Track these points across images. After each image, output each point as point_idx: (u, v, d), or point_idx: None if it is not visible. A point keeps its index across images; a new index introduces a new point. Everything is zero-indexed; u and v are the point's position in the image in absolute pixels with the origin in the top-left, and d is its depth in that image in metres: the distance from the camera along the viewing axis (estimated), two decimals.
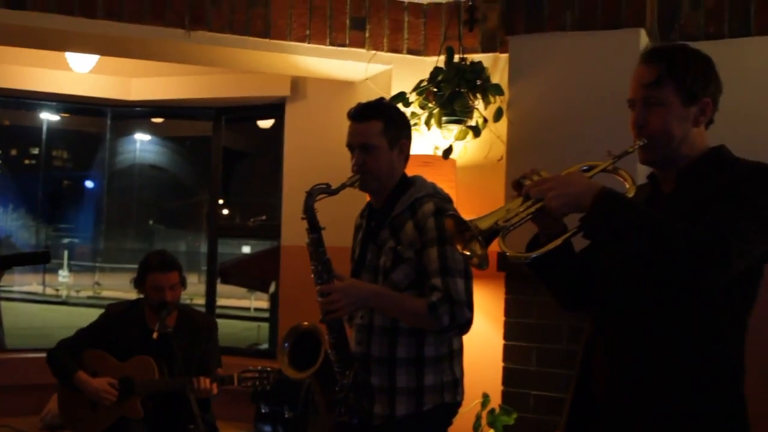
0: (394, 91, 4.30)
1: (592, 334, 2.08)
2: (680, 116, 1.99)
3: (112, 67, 5.19)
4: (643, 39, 3.74)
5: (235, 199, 7.74)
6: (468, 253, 1.99)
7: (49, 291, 19.80)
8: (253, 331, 12.43)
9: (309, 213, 2.66)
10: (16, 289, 19.23)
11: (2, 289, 19.34)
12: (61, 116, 6.21)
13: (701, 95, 1.99)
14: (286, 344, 2.75)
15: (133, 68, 5.24)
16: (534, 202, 1.91)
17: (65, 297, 19.08)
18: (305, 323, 2.78)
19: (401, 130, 2.78)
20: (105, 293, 18.68)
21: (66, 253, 20.19)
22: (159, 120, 6.21)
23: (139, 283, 3.84)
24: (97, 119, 6.02)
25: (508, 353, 3.85)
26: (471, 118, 4.01)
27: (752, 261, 1.85)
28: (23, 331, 12.10)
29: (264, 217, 5.53)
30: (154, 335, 3.52)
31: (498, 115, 3.98)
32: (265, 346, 11.82)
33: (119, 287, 19.52)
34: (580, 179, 1.92)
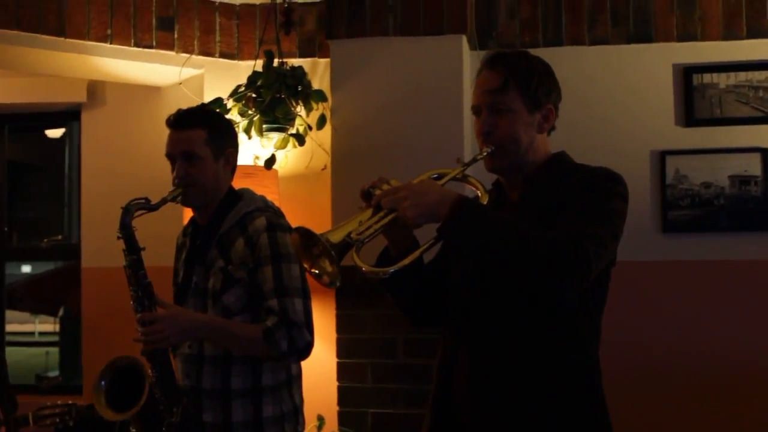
0: (207, 98, 3.96)
1: (451, 345, 2.00)
2: (526, 123, 1.96)
3: None
4: (465, 46, 3.69)
5: (23, 217, 6.97)
6: (316, 272, 1.83)
7: None
8: (40, 358, 11.47)
9: (126, 232, 2.43)
10: None
11: None
12: None
13: (544, 102, 1.99)
14: (103, 382, 2.46)
15: None
16: (387, 212, 1.81)
17: None
18: (124, 357, 2.48)
19: (227, 138, 2.57)
20: None
21: None
22: None
23: None
24: None
25: (342, 371, 3.62)
26: (292, 125, 3.76)
27: (603, 265, 1.84)
28: None
29: (59, 237, 4.93)
30: None
31: (321, 123, 3.76)
32: (55, 373, 10.88)
33: None
34: (434, 187, 1.84)
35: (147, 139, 4.33)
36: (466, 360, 1.94)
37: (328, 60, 3.88)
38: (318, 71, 3.99)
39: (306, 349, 2.43)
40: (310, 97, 3.72)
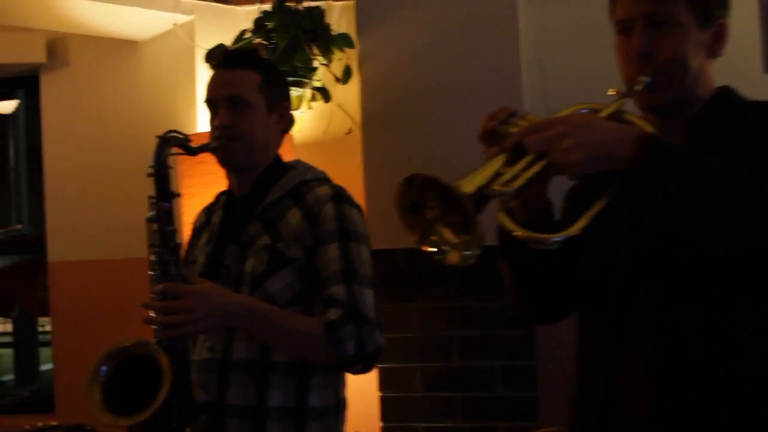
0: (199, 52, 3.22)
1: (606, 342, 1.49)
2: (696, 42, 1.47)
3: None
4: None
5: None
6: (432, 247, 1.32)
7: None
8: None
9: (160, 169, 1.86)
10: None
11: None
12: None
13: (718, 14, 1.50)
14: (104, 368, 1.82)
15: None
16: (536, 157, 1.30)
17: None
18: (139, 342, 1.84)
19: (283, 89, 2.12)
20: None
21: None
22: None
23: None
24: None
25: (385, 378, 2.95)
26: (311, 78, 3.04)
27: None
28: None
29: (20, 226, 4.13)
30: None
31: (346, 75, 3.05)
32: (9, 377, 10.06)
33: None
34: (600, 121, 1.37)
35: (121, 106, 3.60)
36: (640, 361, 1.43)
37: (345, 2, 3.17)
38: (333, 15, 3.26)
39: (376, 356, 1.88)
40: (333, 42, 3.00)
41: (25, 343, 9.60)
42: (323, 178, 2.05)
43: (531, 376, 2.87)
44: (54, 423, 2.86)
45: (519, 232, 1.36)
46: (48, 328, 10.81)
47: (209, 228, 2.07)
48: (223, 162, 1.98)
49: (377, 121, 3.02)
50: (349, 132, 3.16)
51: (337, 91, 3.15)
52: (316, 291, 1.90)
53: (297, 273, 1.91)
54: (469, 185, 1.25)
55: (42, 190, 3.85)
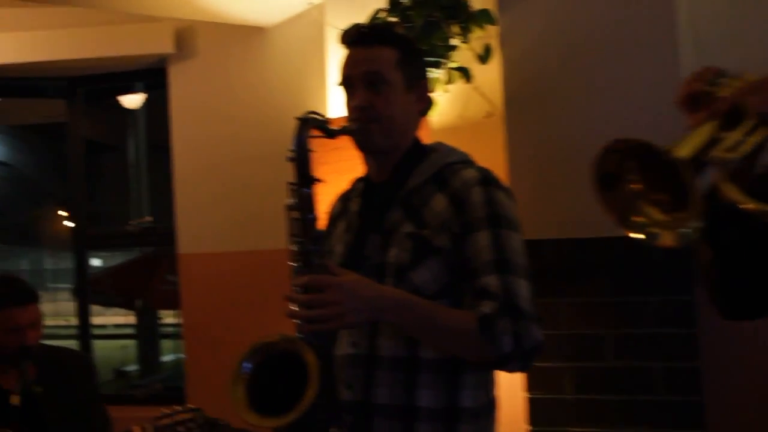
0: (329, 34, 3.08)
1: None
2: None
3: None
4: None
5: (100, 202, 6.26)
6: (638, 233, 1.15)
7: None
8: (116, 351, 11.10)
9: (301, 151, 1.72)
10: None
11: None
12: None
13: None
14: (248, 365, 1.67)
15: None
16: (761, 121, 1.15)
17: None
18: (285, 339, 1.67)
19: (421, 65, 1.93)
20: None
21: None
22: None
23: None
24: None
25: (533, 379, 2.73)
26: (449, 59, 2.86)
27: None
28: None
29: (150, 218, 4.13)
30: (14, 399, 2.39)
31: (486, 55, 2.85)
32: (133, 368, 10.38)
33: None
34: None
35: (249, 94, 3.52)
36: None
37: None
38: None
39: (534, 353, 1.67)
40: (472, 19, 2.80)
41: (148, 334, 9.90)
42: (469, 161, 1.87)
43: (695, 379, 2.59)
44: (192, 406, 2.79)
45: (750, 205, 1.16)
46: (168, 320, 11.10)
47: (346, 216, 1.93)
48: (361, 145, 1.84)
49: (521, 103, 2.80)
50: (489, 115, 2.96)
51: (473, 72, 2.96)
52: (464, 282, 1.73)
53: (444, 263, 1.74)
54: (684, 150, 1.09)
55: (170, 182, 3.82)
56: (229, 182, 3.59)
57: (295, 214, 1.71)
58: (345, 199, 1.96)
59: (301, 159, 1.71)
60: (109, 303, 10.92)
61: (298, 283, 1.64)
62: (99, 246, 4.26)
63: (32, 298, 2.64)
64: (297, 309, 1.61)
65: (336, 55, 3.19)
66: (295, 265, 1.69)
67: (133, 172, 6.04)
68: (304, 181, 1.71)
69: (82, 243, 4.16)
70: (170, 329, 10.96)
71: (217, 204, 3.62)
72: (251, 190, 3.47)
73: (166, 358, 10.41)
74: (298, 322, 1.62)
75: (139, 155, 6.04)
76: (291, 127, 3.31)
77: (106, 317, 13.99)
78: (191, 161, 3.72)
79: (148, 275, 7.57)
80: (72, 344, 4.80)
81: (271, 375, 1.68)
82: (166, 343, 10.56)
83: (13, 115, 5.00)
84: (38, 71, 3.93)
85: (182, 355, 10.91)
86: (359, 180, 1.95)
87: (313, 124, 1.71)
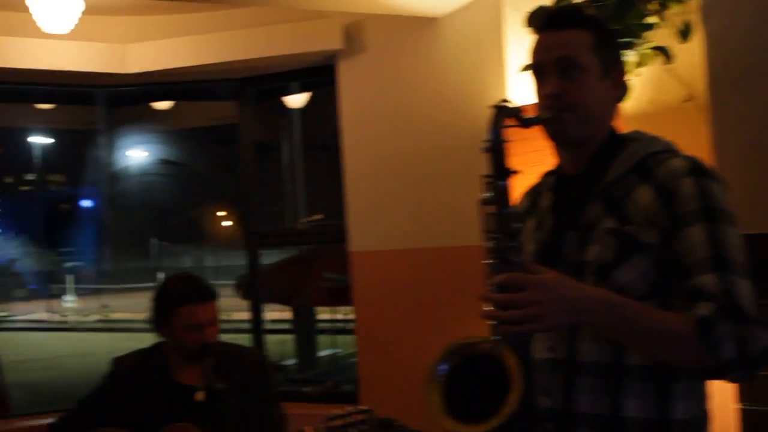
0: (508, 20, 2.91)
1: None
2: None
3: (98, 30, 3.74)
4: None
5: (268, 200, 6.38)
6: None
7: (56, 318, 18.66)
8: (274, 347, 11.41)
9: (496, 141, 1.62)
10: (20, 318, 18.23)
11: (5, 319, 18.32)
12: (34, 108, 4.67)
13: None
14: (443, 367, 1.60)
15: (127, 31, 3.81)
16: None
17: (73, 323, 17.90)
18: (483, 341, 1.58)
19: (616, 49, 1.80)
20: (114, 315, 17.75)
21: (70, 277, 19.14)
22: (164, 106, 4.76)
23: (161, 322, 2.65)
24: (86, 110, 4.57)
25: (747, 388, 2.45)
26: (644, 39, 2.62)
27: None
28: (31, 363, 10.96)
29: (321, 216, 4.12)
30: (199, 395, 2.39)
31: (686, 32, 2.59)
32: (291, 361, 10.64)
33: (128, 308, 18.63)
34: None
35: (422, 87, 3.41)
36: None
37: None
38: None
39: (761, 359, 1.49)
40: None
41: (305, 330, 10.10)
42: (674, 150, 1.70)
43: None
44: (365, 407, 2.65)
45: None
46: (324, 317, 11.28)
47: (537, 212, 1.80)
48: (555, 135, 1.70)
49: (727, 85, 2.51)
50: (688, 99, 2.69)
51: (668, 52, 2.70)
52: (675, 282, 1.57)
53: (652, 261, 1.59)
54: None
55: (327, 180, 3.77)
56: (402, 178, 3.49)
57: (491, 209, 1.61)
58: (534, 194, 1.83)
59: (497, 149, 1.60)
60: (267, 299, 11.29)
61: (495, 282, 1.54)
62: (271, 244, 4.31)
63: (212, 295, 2.67)
64: (493, 309, 1.52)
65: (515, 42, 3.01)
66: (491, 262, 1.59)
67: (290, 172, 6.12)
68: (500, 173, 1.61)
69: (254, 241, 4.18)
70: (326, 325, 11.19)
71: (389, 201, 3.54)
72: (425, 185, 3.37)
73: (323, 353, 10.64)
74: (494, 322, 1.53)
75: (295, 154, 6.10)
76: (467, 118, 3.18)
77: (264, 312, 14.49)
78: (362, 158, 3.65)
79: (306, 273, 7.69)
80: (240, 339, 4.88)
81: (468, 378, 1.59)
82: (322, 339, 10.78)
83: (184, 118, 5.16)
84: (210, 74, 3.99)
85: (338, 350, 11.02)
86: (549, 173, 1.82)
87: (507, 113, 1.61)
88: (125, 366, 2.75)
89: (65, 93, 4.14)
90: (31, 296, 20.31)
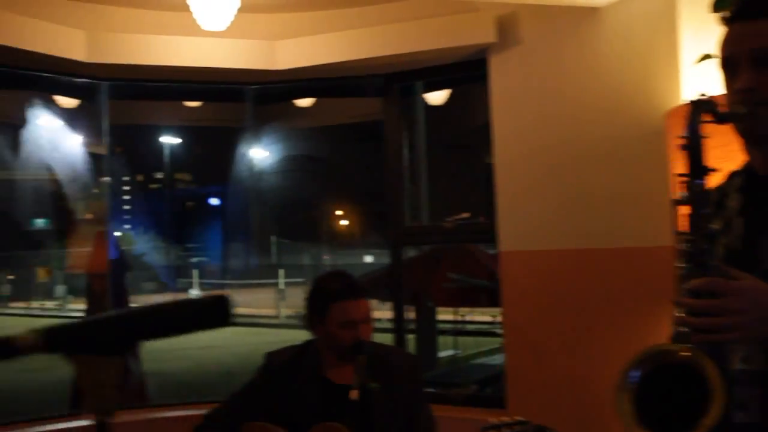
0: (682, 8, 2.71)
1: None
2: None
3: (249, 27, 3.75)
4: None
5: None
6: None
7: None
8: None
9: (694, 138, 1.53)
10: None
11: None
12: (184, 106, 4.77)
13: None
14: (635, 374, 1.51)
15: (277, 27, 3.82)
16: None
17: None
18: (678, 346, 1.49)
19: None
20: (236, 310, 18.23)
21: (196, 272, 19.82)
22: (306, 103, 4.77)
23: (316, 320, 2.61)
24: (233, 108, 4.62)
25: None
26: None
27: None
28: (160, 354, 11.39)
29: (467, 215, 4.00)
30: (353, 394, 2.34)
31: None
32: None
33: (249, 303, 19.11)
34: None
35: (583, 81, 3.25)
36: None
37: None
38: None
39: None
40: None
41: (427, 330, 10.01)
42: None
43: None
44: (520, 418, 2.56)
45: None
46: (445, 317, 11.16)
47: (722, 215, 1.68)
48: (747, 132, 1.59)
49: None
50: None
51: None
52: None
53: None
54: None
55: (490, 177, 3.64)
56: (560, 176, 3.34)
57: (686, 209, 1.53)
58: (720, 194, 1.70)
59: (694, 146, 1.52)
60: (387, 298, 11.30)
61: (691, 287, 1.46)
62: (416, 242, 4.20)
63: (364, 292, 2.63)
64: (686, 315, 1.45)
65: (690, 31, 2.81)
66: (685, 266, 1.52)
67: (425, 169, 6.04)
68: (697, 171, 1.52)
69: (399, 238, 4.11)
70: (447, 326, 11.08)
71: (544, 199, 3.40)
72: (586, 184, 3.20)
73: (443, 354, 10.55)
74: (684, 329, 1.45)
75: (432, 152, 6.01)
76: (636, 114, 2.97)
77: (380, 311, 14.50)
78: (515, 154, 3.51)
79: (430, 273, 7.61)
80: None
81: (662, 387, 1.51)
82: (443, 339, 10.70)
83: (326, 115, 5.18)
84: (356, 70, 3.94)
85: (458, 351, 10.84)
86: (736, 173, 1.70)
87: (705, 108, 1.52)
88: (278, 361, 2.73)
89: (214, 90, 4.19)
90: (159, 289, 21.18)
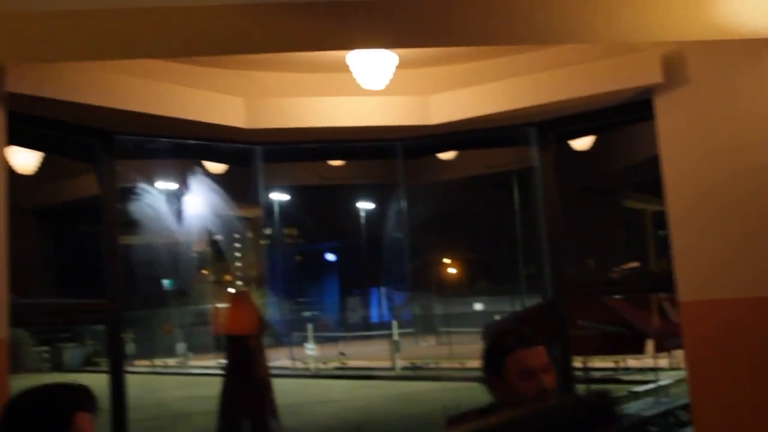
0: None
1: None
2: None
3: (402, 84, 3.73)
4: None
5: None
6: None
7: (298, 364, 19.43)
8: None
9: None
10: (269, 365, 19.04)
11: None
12: (328, 165, 4.77)
13: None
14: None
15: (429, 82, 3.77)
16: None
17: (314, 370, 18.54)
18: None
19: None
20: (351, 363, 18.19)
21: (310, 326, 19.89)
22: (448, 157, 4.70)
23: (494, 378, 2.44)
24: (381, 165, 4.60)
25: None
26: None
27: None
28: (282, 409, 11.34)
29: (636, 264, 3.81)
30: None
31: None
32: None
33: (362, 355, 18.99)
34: None
35: (755, 116, 3.05)
36: None
37: None
38: None
39: None
40: None
41: (561, 379, 9.66)
42: None
43: None
44: None
45: None
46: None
47: None
48: None
49: None
50: None
51: None
52: None
53: None
54: None
55: (661, 224, 3.44)
56: (740, 213, 3.12)
57: None
58: None
59: None
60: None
61: None
62: (577, 293, 4.03)
63: (540, 341, 2.47)
64: None
65: None
66: None
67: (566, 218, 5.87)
68: None
69: (561, 289, 3.92)
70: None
71: (724, 240, 3.17)
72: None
73: None
74: None
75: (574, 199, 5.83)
76: None
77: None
78: (689, 194, 3.32)
79: (551, 320, 7.38)
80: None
81: None
82: None
83: (466, 167, 5.09)
84: (508, 120, 3.84)
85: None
86: None
87: None
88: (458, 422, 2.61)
89: (363, 148, 4.18)
90: (275, 344, 21.32)
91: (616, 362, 11.24)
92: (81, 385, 2.36)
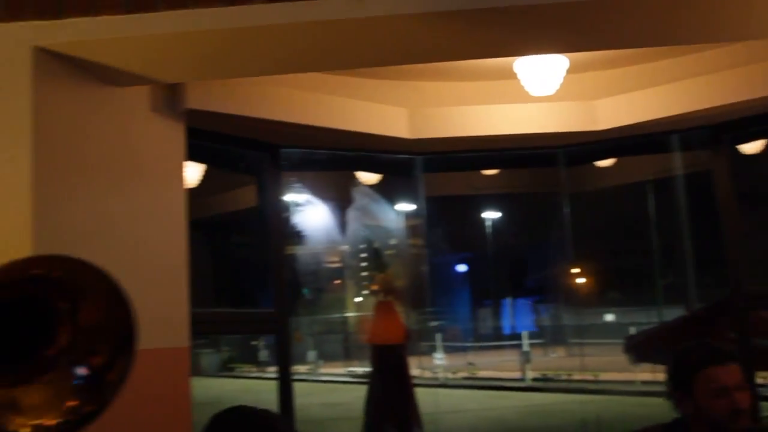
0: None
1: None
2: None
3: (568, 87, 3.62)
4: None
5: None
6: None
7: (427, 374, 19.38)
8: (645, 409, 10.62)
9: None
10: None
11: None
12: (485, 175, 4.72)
13: None
14: None
15: (595, 85, 3.66)
16: None
17: (442, 379, 18.45)
18: None
19: None
20: (480, 373, 18.01)
21: (438, 336, 19.84)
22: (607, 163, 4.55)
23: (682, 395, 2.32)
24: (538, 173, 4.51)
25: None
26: None
27: None
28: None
29: None
30: None
31: None
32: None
33: (491, 365, 18.74)
34: None
35: None
36: None
37: None
38: None
39: None
40: None
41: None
42: None
43: None
44: None
45: None
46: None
47: None
48: None
49: None
50: None
51: None
52: None
53: None
54: None
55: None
56: None
57: None
58: None
59: None
60: (656, 360, 10.52)
61: None
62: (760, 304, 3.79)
63: (733, 357, 2.31)
64: None
65: None
66: None
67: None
68: None
69: (744, 299, 3.70)
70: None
71: None
72: None
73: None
74: None
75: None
76: None
77: (632, 373, 13.62)
78: None
79: (705, 333, 7.07)
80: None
81: None
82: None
83: (623, 174, 4.92)
84: (679, 123, 3.67)
85: None
86: None
87: None
88: None
89: (524, 156, 4.11)
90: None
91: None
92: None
